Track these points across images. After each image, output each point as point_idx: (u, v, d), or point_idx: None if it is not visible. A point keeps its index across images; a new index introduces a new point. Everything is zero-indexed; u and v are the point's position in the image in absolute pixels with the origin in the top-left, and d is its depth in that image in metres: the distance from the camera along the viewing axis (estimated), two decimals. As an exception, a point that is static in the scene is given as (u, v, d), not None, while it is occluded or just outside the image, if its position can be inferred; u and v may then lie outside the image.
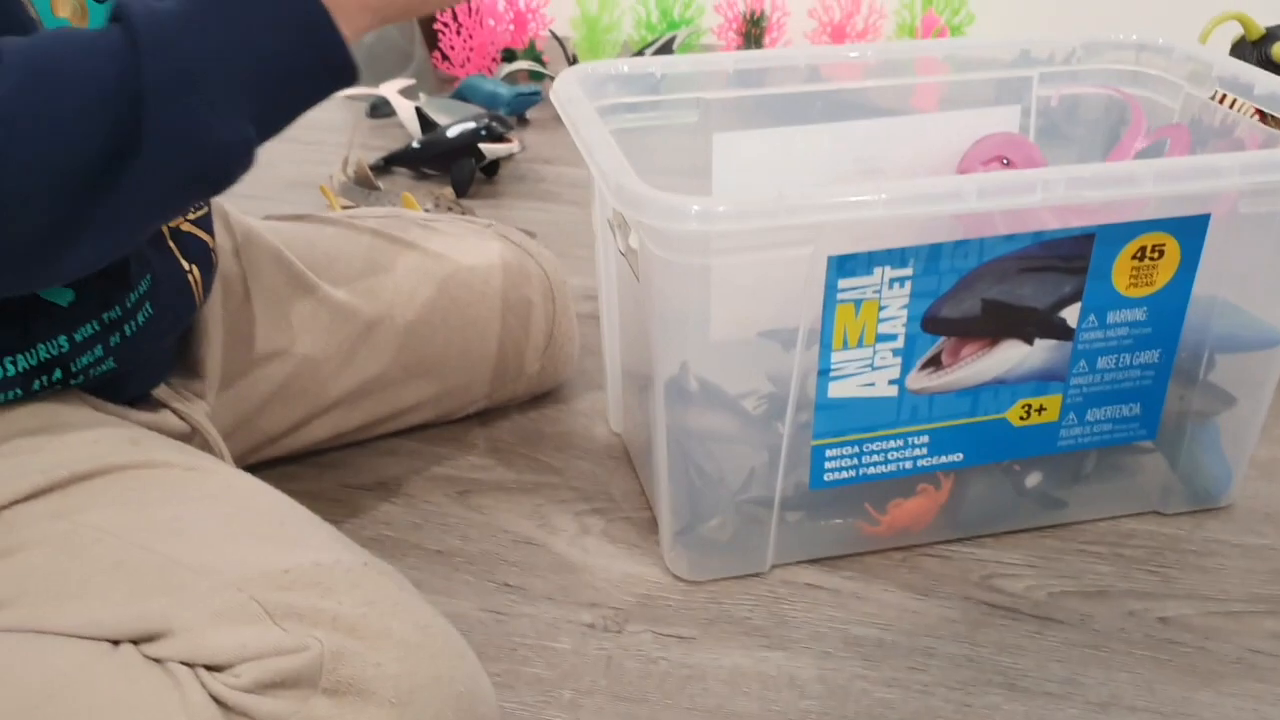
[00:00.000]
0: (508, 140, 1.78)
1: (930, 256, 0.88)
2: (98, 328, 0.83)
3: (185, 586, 0.71)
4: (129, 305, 0.84)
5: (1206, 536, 1.06)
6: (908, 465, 0.98)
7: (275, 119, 0.75)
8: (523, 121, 2.08)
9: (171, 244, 0.89)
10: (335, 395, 1.10)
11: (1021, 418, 0.98)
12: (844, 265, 0.87)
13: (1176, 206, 0.91)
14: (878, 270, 0.88)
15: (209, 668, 0.69)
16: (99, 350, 0.84)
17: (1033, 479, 1.04)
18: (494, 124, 1.78)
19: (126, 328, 0.85)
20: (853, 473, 0.97)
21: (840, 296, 0.88)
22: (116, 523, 0.76)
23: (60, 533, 0.75)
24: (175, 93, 0.68)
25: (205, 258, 0.94)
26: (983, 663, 0.93)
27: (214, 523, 0.78)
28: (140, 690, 0.68)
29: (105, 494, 0.78)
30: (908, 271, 0.88)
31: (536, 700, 0.90)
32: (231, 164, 0.73)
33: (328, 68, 0.74)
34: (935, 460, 0.98)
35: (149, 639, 0.70)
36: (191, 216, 0.93)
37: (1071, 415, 0.99)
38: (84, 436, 0.82)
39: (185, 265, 0.91)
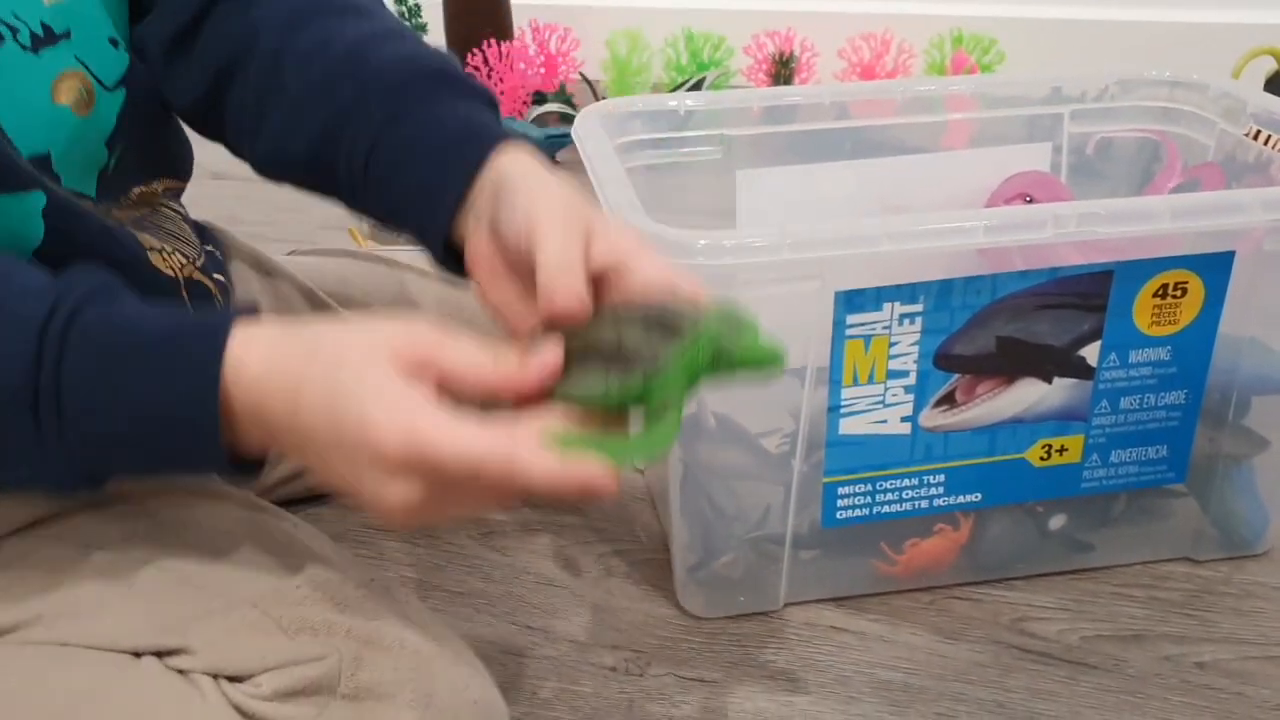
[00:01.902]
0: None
1: (941, 292, 0.87)
2: None
3: (200, 605, 0.72)
4: None
5: (1245, 579, 1.04)
6: (923, 504, 0.96)
7: (132, 473, 0.70)
8: (553, 163, 2.09)
9: (185, 292, 0.90)
10: None
11: (1042, 458, 0.96)
12: (852, 300, 0.86)
13: (1199, 243, 0.89)
14: (887, 306, 0.87)
15: (231, 679, 0.69)
16: None
17: (1056, 521, 1.01)
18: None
19: None
20: (866, 511, 0.96)
21: (849, 332, 0.87)
22: (131, 546, 0.76)
23: (75, 555, 0.75)
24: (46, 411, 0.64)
25: (218, 299, 0.94)
26: (1014, 709, 0.91)
27: (227, 544, 0.78)
28: (163, 697, 0.69)
29: (122, 518, 0.78)
30: (918, 307, 0.87)
31: (554, 743, 0.90)
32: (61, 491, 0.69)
33: (204, 463, 0.67)
34: (952, 500, 0.97)
35: (169, 655, 0.71)
36: (198, 263, 0.93)
37: (1095, 456, 0.97)
38: None
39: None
